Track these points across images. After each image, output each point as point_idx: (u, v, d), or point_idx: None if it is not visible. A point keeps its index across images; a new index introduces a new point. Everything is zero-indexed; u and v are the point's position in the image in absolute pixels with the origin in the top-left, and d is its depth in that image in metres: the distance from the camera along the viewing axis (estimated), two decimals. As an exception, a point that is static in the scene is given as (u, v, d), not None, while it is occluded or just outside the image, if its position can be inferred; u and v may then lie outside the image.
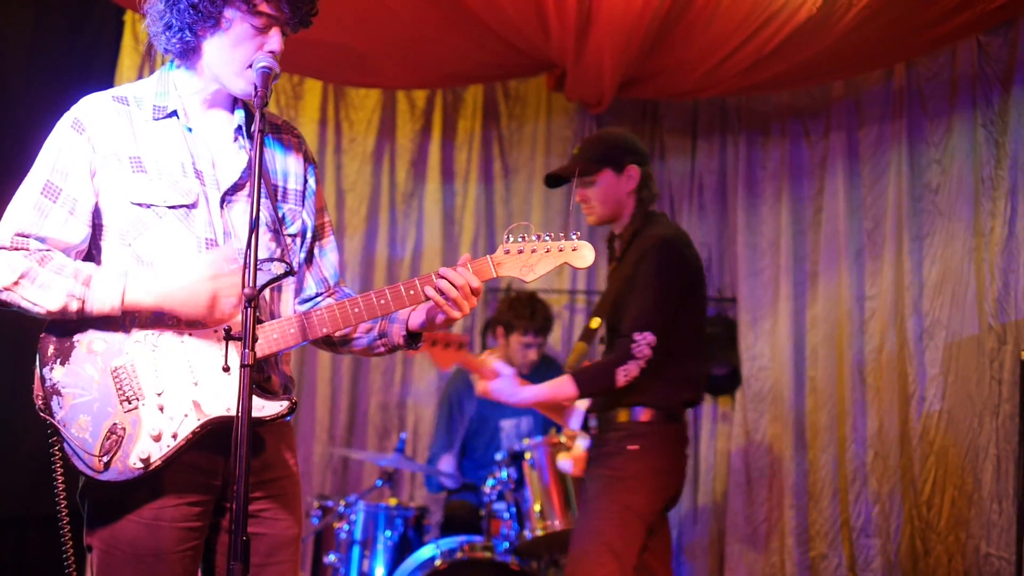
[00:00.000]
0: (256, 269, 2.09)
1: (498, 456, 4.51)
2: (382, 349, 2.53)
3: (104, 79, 5.13)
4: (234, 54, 2.30)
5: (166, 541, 2.25)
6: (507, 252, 2.43)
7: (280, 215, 2.44)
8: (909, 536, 5.19)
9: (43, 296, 2.20)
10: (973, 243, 5.08)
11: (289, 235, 2.46)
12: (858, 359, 5.48)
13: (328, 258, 2.59)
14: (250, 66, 2.30)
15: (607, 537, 3.39)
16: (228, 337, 2.15)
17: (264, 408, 2.25)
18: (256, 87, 2.24)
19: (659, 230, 3.67)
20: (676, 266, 3.56)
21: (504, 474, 4.39)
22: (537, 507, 4.25)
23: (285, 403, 2.28)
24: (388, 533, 4.69)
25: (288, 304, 2.48)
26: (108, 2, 4.89)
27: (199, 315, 2.24)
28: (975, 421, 4.96)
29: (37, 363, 2.26)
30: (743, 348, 5.77)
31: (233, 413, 2.24)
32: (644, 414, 3.48)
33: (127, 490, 2.23)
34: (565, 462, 3.95)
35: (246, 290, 2.07)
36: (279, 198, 2.47)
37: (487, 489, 4.47)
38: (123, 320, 2.27)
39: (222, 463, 2.31)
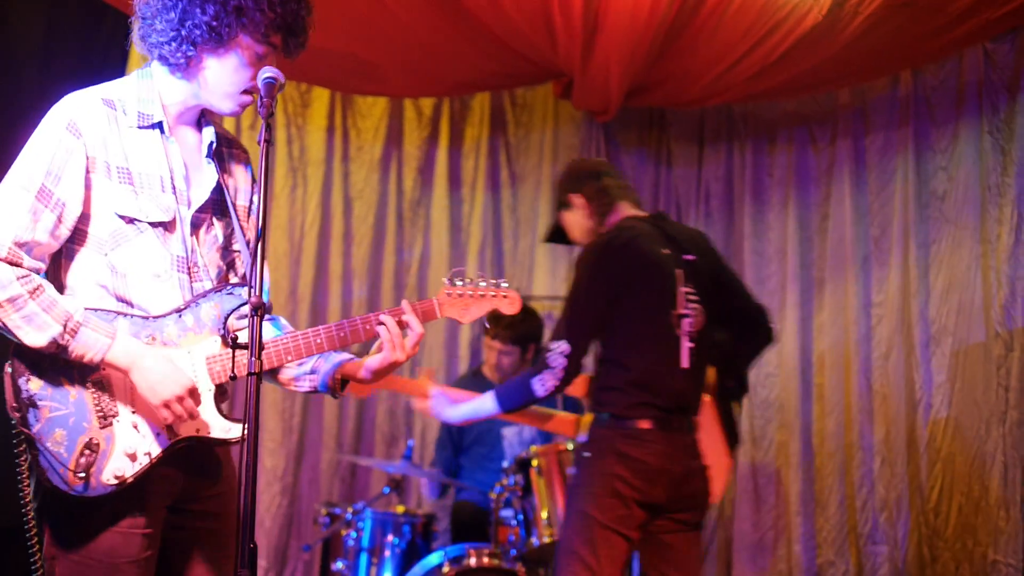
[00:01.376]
0: (261, 282, 2.12)
1: (505, 463, 4.51)
2: (306, 386, 2.53)
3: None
4: (235, 76, 2.33)
5: (138, 548, 2.28)
6: (449, 295, 2.53)
7: (230, 232, 2.48)
8: (916, 543, 5.18)
9: (25, 330, 2.18)
10: (980, 250, 5.08)
11: (236, 251, 2.50)
12: (865, 366, 5.47)
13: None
14: (246, 90, 2.35)
15: (573, 545, 3.40)
16: (235, 346, 2.17)
17: (231, 430, 2.34)
18: (262, 97, 2.26)
19: (595, 238, 3.63)
20: (599, 271, 3.43)
21: (511, 481, 4.40)
22: (544, 514, 4.24)
23: None
24: (396, 540, 4.69)
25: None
26: (119, 12, 4.92)
27: (150, 399, 2.24)
28: (982, 428, 4.96)
29: (11, 372, 2.24)
30: (750, 355, 5.77)
31: (202, 434, 2.32)
32: (602, 420, 3.47)
33: (100, 502, 2.24)
34: None
35: (253, 299, 2.09)
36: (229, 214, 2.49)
37: (494, 496, 4.47)
38: None
39: (179, 472, 2.36)
